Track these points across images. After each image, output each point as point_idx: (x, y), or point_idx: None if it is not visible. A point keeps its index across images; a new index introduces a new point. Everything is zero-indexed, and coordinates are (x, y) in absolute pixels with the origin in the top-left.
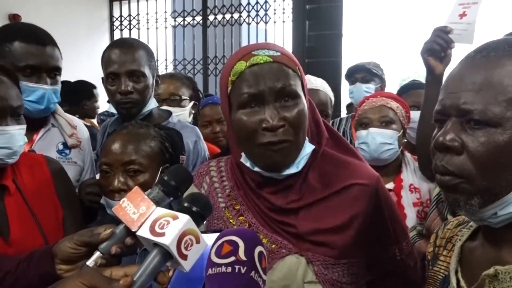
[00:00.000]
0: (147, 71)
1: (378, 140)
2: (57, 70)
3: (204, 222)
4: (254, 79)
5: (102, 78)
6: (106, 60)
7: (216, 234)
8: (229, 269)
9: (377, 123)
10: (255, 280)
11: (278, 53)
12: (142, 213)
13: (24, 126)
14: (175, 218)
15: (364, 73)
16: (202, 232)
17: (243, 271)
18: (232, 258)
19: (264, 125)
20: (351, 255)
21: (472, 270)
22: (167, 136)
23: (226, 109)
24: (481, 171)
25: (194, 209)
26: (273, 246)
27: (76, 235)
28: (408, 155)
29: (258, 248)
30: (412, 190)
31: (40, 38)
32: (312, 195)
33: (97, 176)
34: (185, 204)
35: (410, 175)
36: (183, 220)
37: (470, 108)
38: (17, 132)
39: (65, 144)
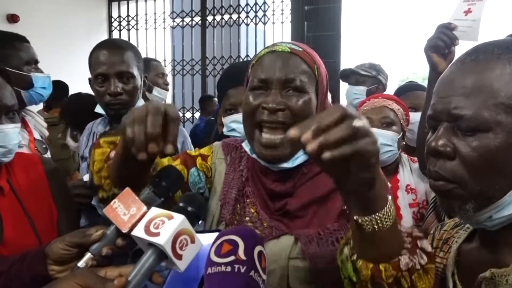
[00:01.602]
0: (135, 72)
1: (378, 141)
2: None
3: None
4: (267, 64)
5: (89, 79)
6: (94, 61)
7: (212, 234)
8: (229, 269)
9: (378, 123)
10: (254, 279)
11: (300, 49)
12: (133, 214)
13: (19, 125)
14: (170, 218)
15: (353, 76)
16: (198, 232)
17: (242, 270)
18: (232, 258)
19: (264, 104)
20: (339, 227)
21: (469, 273)
22: None
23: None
24: (474, 176)
25: (189, 209)
26: (269, 228)
27: (67, 236)
28: (404, 156)
29: (258, 248)
30: (408, 191)
31: (27, 39)
32: (305, 179)
33: (84, 178)
34: (180, 204)
35: (407, 176)
36: (178, 220)
37: (460, 113)
38: (11, 131)
39: (41, 136)
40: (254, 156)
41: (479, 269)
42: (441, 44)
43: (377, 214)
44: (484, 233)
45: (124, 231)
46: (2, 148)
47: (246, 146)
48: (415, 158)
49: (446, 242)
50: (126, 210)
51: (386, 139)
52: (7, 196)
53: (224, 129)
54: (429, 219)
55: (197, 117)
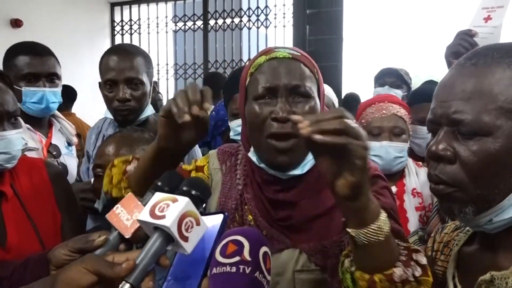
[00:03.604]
0: (145, 78)
1: (392, 154)
2: (54, 75)
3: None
4: (271, 72)
5: (99, 84)
6: (104, 67)
7: (216, 216)
8: (234, 269)
9: (389, 133)
10: (259, 280)
11: (299, 54)
12: (136, 220)
13: (21, 130)
14: (174, 201)
15: (395, 78)
16: (202, 215)
17: (247, 271)
18: (237, 258)
19: (273, 115)
20: (343, 239)
21: (469, 275)
22: None
23: (242, 102)
24: (474, 179)
25: (193, 192)
26: (270, 238)
27: (70, 242)
28: (410, 160)
29: (263, 249)
30: (414, 194)
31: (37, 51)
32: (310, 190)
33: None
34: (184, 188)
35: (413, 179)
36: (183, 202)
37: (460, 118)
38: (14, 137)
39: (68, 142)
40: (262, 165)
41: (479, 271)
42: (462, 50)
43: (367, 227)
44: (484, 236)
45: (126, 237)
46: (6, 155)
47: (253, 156)
48: (420, 163)
49: (446, 245)
50: (129, 215)
51: (398, 151)
52: (11, 201)
53: (231, 133)
54: (433, 222)
55: None
